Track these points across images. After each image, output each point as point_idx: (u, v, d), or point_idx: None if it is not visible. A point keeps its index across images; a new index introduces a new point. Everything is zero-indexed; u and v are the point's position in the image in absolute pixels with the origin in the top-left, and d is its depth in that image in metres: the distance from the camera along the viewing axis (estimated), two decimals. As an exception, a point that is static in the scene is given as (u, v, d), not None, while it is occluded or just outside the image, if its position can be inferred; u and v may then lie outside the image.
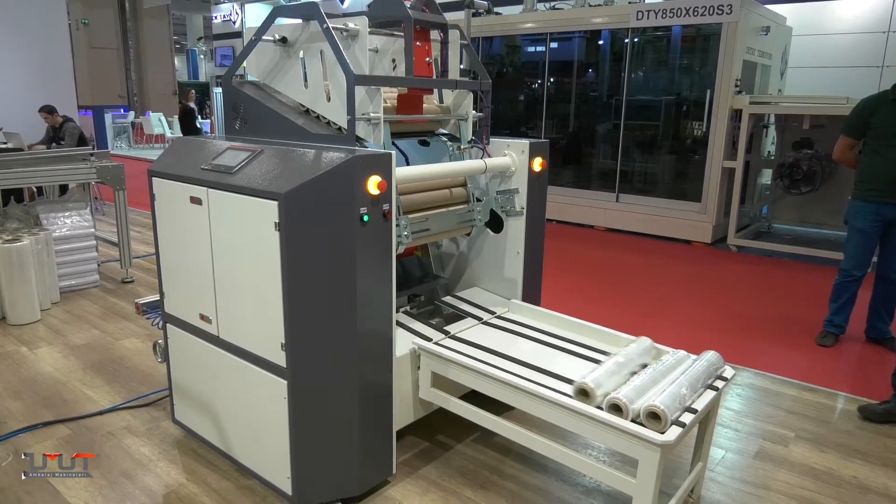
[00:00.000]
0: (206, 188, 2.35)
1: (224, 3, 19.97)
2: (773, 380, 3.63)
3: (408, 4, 2.51)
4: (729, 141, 6.68)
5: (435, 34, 2.70)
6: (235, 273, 2.32)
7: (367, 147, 2.39)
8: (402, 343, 2.60)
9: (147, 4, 18.81)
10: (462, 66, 3.02)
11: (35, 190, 6.17)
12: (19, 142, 7.03)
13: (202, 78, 26.41)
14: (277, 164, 2.19)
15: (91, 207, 5.53)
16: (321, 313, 2.18)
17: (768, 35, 7.10)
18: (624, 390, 2.09)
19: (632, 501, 2.08)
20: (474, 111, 2.93)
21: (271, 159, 2.23)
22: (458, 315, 3.00)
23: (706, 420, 2.41)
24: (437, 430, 2.92)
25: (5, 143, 6.71)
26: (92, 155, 5.25)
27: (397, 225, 2.37)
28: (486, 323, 2.93)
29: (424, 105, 2.77)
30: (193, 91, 14.84)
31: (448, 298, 3.14)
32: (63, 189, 6.36)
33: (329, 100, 2.48)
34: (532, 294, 3.16)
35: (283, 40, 2.58)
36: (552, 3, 9.03)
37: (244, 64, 2.80)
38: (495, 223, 3.05)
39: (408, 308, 2.97)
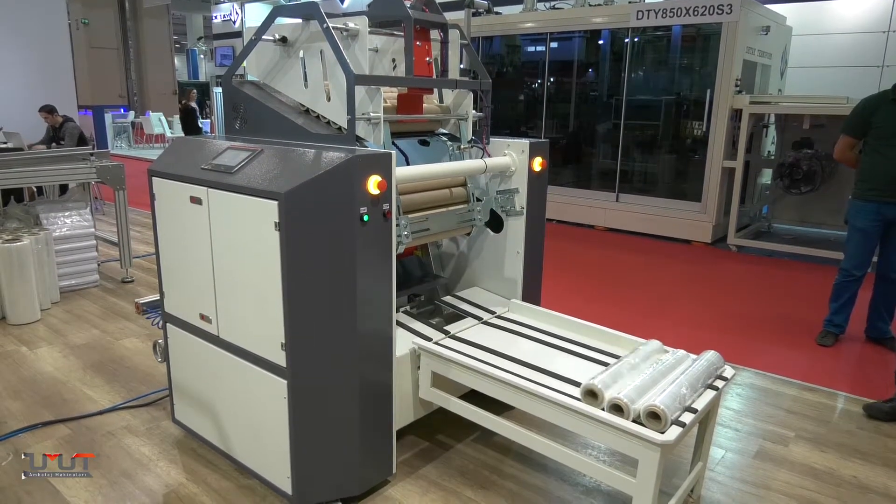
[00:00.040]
0: (206, 188, 2.35)
1: (224, 2, 19.96)
2: (773, 379, 3.63)
3: (408, 4, 2.51)
4: (729, 141, 6.68)
5: (435, 34, 2.70)
6: (235, 273, 2.32)
7: (367, 147, 2.39)
8: (402, 343, 2.60)
9: (147, 4, 18.82)
10: (462, 66, 3.02)
11: (35, 190, 6.17)
12: (19, 141, 7.03)
13: (202, 78, 26.40)
14: (277, 164, 2.19)
15: (91, 207, 5.53)
16: (321, 313, 2.18)
17: (768, 35, 7.10)
18: (625, 390, 2.09)
19: (632, 501, 2.08)
20: (474, 111, 2.93)
21: (271, 159, 2.23)
22: (458, 315, 3.00)
23: (706, 420, 2.41)
24: (437, 429, 2.92)
25: (5, 142, 6.71)
26: (92, 155, 5.24)
27: (397, 225, 2.37)
28: (486, 323, 2.93)
29: (424, 105, 2.77)
30: (195, 91, 14.84)
31: (448, 298, 3.14)
32: (63, 189, 6.37)
33: (329, 99, 2.48)
34: (532, 294, 3.16)
35: (283, 40, 2.58)
36: (552, 3, 9.03)
37: (244, 64, 2.80)
38: (495, 223, 3.05)
39: (408, 308, 2.97)
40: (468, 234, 3.14)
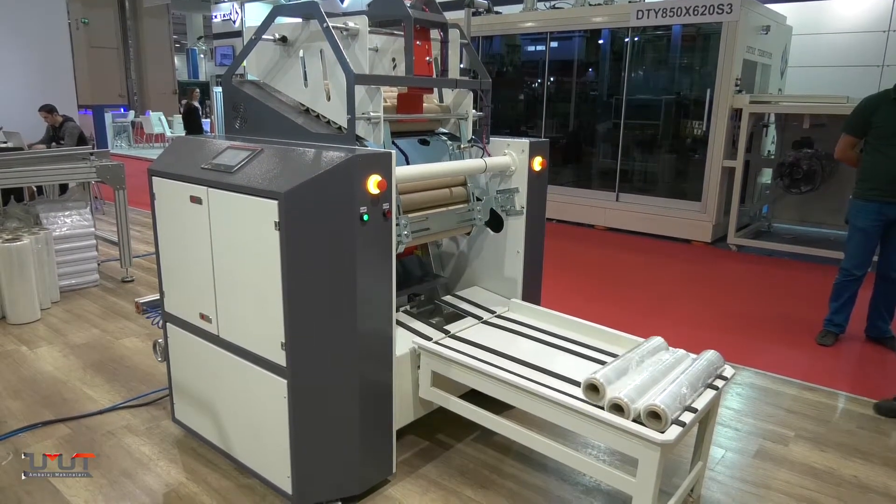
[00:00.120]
0: (206, 187, 2.34)
1: (224, 2, 19.96)
2: (773, 379, 3.63)
3: (408, 3, 2.51)
4: (729, 140, 6.68)
5: (435, 33, 2.70)
6: (235, 272, 2.32)
7: (367, 146, 2.39)
8: (402, 342, 2.60)
9: (147, 3, 18.83)
10: (462, 66, 3.02)
11: (35, 189, 6.17)
12: (19, 141, 7.03)
13: (202, 77, 26.40)
14: (277, 164, 2.19)
15: (91, 207, 5.53)
16: (321, 312, 2.17)
17: (768, 34, 7.10)
18: (625, 389, 2.09)
19: (632, 501, 2.08)
20: (474, 110, 2.93)
21: (271, 158, 2.23)
22: (458, 314, 3.00)
23: (706, 419, 2.41)
24: (437, 429, 2.92)
25: (5, 142, 6.71)
26: (92, 154, 5.24)
27: (397, 224, 2.37)
28: (486, 322, 2.93)
29: (424, 104, 2.77)
30: (198, 90, 14.84)
31: (448, 298, 3.14)
32: (63, 188, 6.37)
33: (329, 99, 2.48)
34: (532, 293, 3.16)
35: (283, 39, 2.58)
36: (552, 3, 9.02)
37: (244, 63, 2.80)
38: (495, 222, 3.05)
39: (408, 307, 2.97)
40: (468, 233, 3.14)
